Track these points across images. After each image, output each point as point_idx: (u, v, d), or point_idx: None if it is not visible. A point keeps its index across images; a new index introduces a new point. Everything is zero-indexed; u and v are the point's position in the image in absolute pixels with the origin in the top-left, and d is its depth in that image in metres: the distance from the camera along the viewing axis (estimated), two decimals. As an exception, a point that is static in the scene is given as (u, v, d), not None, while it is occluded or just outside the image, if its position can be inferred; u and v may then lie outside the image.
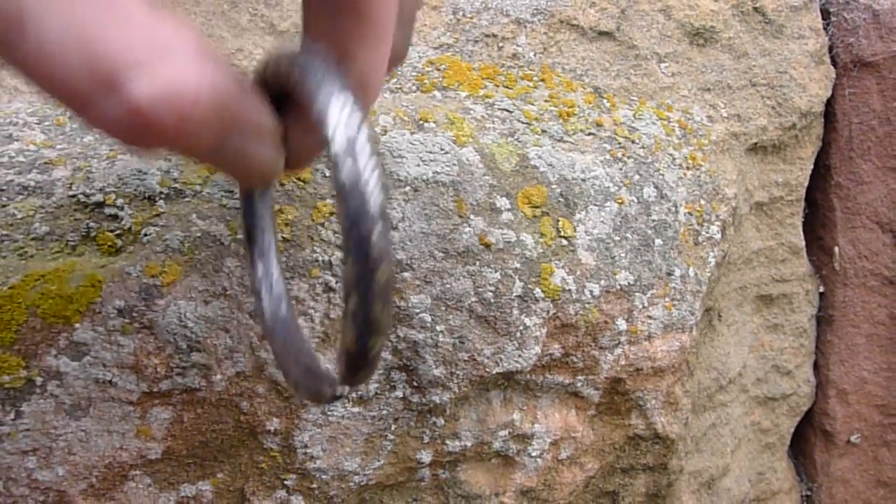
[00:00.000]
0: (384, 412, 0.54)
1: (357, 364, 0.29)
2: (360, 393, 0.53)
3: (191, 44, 0.24)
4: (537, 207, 0.56)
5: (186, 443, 0.51)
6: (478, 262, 0.53)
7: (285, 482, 0.54)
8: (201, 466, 0.52)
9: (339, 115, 0.25)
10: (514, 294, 0.54)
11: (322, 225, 0.50)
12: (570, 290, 0.56)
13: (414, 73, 0.62)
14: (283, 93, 0.31)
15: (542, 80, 0.65)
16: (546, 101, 0.63)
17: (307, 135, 0.32)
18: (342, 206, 0.25)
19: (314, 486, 0.54)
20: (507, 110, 0.60)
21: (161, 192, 0.49)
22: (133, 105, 0.23)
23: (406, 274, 0.51)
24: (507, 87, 0.63)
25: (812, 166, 0.76)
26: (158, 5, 0.24)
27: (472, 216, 0.53)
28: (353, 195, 0.25)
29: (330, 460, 0.54)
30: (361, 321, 0.27)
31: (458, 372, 0.54)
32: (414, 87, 0.62)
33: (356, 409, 0.54)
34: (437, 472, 0.59)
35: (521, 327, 0.55)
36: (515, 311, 0.54)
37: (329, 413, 0.53)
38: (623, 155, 0.62)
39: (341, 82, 0.26)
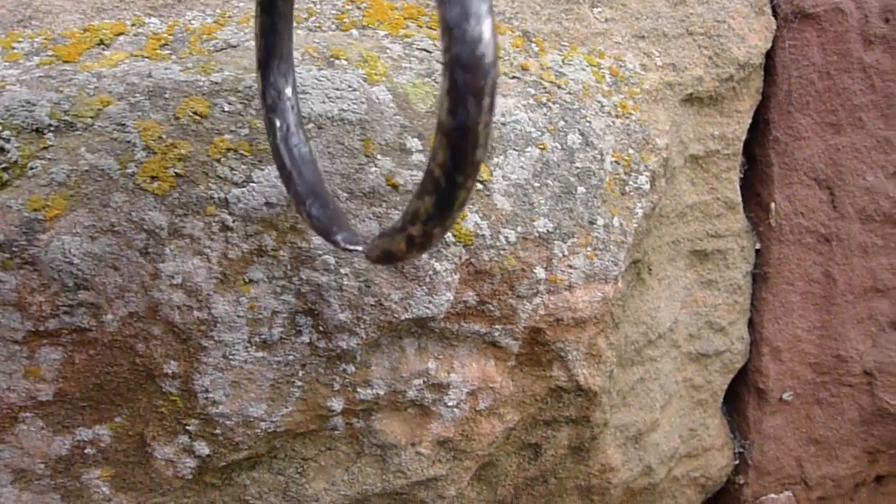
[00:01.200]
0: (290, 357, 0.53)
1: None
2: (263, 337, 0.52)
3: None
4: (451, 150, 0.54)
5: (80, 385, 0.49)
6: (384, 204, 0.51)
7: (187, 427, 0.53)
8: (97, 410, 0.51)
9: None
10: (423, 238, 0.52)
11: (218, 161, 0.48)
12: (483, 235, 0.55)
13: (333, 12, 0.60)
14: None
15: (469, 22, 0.63)
16: (470, 43, 0.61)
17: None
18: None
19: (218, 431, 0.53)
20: (427, 50, 0.58)
21: (50, 125, 0.47)
22: None
23: (307, 214, 0.50)
24: (430, 27, 0.61)
25: (750, 120, 0.75)
26: None
27: (379, 156, 0.51)
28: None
29: (233, 405, 0.53)
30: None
31: (364, 317, 0.53)
32: (333, 26, 0.59)
33: (260, 354, 0.52)
34: (350, 420, 0.58)
35: (430, 272, 0.53)
36: (425, 256, 0.53)
37: (230, 357, 0.51)
38: (548, 100, 0.60)
39: None
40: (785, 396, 0.81)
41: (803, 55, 0.73)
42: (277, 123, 0.39)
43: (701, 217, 0.75)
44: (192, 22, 0.57)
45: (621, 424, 0.71)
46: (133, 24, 0.56)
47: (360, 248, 0.35)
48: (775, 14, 0.73)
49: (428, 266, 0.53)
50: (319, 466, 0.59)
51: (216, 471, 0.56)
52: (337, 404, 0.56)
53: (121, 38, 0.55)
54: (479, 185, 0.55)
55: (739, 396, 0.84)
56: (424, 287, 0.53)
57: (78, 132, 0.47)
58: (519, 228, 0.56)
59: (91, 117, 0.48)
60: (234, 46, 0.54)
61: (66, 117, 0.47)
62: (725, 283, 0.78)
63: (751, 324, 0.81)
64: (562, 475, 0.69)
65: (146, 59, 0.53)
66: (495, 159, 0.56)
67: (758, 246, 0.79)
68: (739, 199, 0.76)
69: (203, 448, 0.53)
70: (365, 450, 0.60)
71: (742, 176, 0.78)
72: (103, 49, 0.55)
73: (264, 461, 0.58)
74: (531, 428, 0.66)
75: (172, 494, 0.55)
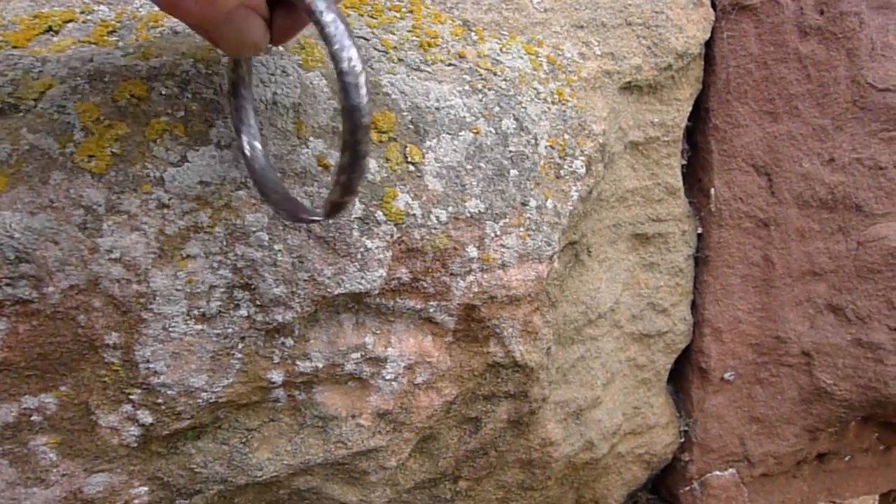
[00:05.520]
0: (229, 330, 0.56)
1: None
2: (201, 310, 0.54)
3: None
4: (384, 133, 0.57)
5: (24, 354, 0.52)
6: (316, 183, 0.54)
7: (130, 396, 0.55)
8: (42, 379, 0.53)
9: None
10: (355, 216, 0.55)
11: (154, 142, 0.50)
12: (414, 214, 0.57)
13: None
14: None
15: (411, 11, 0.65)
16: (409, 31, 0.63)
17: (288, 22, 0.45)
18: (336, 65, 0.41)
19: (160, 401, 0.56)
20: (364, 38, 0.60)
21: (-6, 107, 0.50)
22: None
23: (241, 192, 0.52)
24: (371, 16, 0.63)
25: (690, 108, 0.78)
26: None
27: (311, 138, 0.54)
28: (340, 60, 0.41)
29: (175, 376, 0.55)
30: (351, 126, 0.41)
31: (299, 291, 0.55)
32: (276, 14, 0.62)
33: (199, 327, 0.55)
34: (292, 392, 0.61)
35: (362, 249, 0.56)
36: (356, 233, 0.55)
37: (170, 329, 0.54)
38: (484, 87, 0.62)
39: None
40: (727, 376, 0.84)
41: (741, 46, 0.76)
42: (255, 166, 0.50)
43: (642, 201, 0.77)
44: (140, 10, 0.60)
45: (562, 400, 0.74)
46: (82, 12, 0.59)
47: (317, 216, 0.47)
48: (714, 5, 0.76)
49: (359, 243, 0.56)
50: (263, 437, 0.62)
51: (161, 439, 0.58)
52: (277, 376, 0.59)
53: (70, 24, 0.58)
54: (412, 167, 0.57)
55: (683, 376, 0.86)
56: (356, 263, 0.56)
57: (20, 114, 0.50)
58: (450, 209, 0.59)
59: (34, 99, 0.50)
60: (178, 33, 0.57)
61: (10, 100, 0.50)
62: (667, 266, 0.81)
63: (693, 305, 0.84)
64: (502, 448, 0.72)
65: (93, 45, 0.56)
66: (428, 142, 0.58)
67: (699, 230, 0.81)
68: (680, 184, 0.79)
69: (146, 417, 0.56)
70: (307, 421, 0.63)
71: (686, 162, 0.81)
72: (52, 35, 0.57)
73: (209, 431, 0.60)
74: (471, 402, 0.68)
75: (119, 462, 0.58)
